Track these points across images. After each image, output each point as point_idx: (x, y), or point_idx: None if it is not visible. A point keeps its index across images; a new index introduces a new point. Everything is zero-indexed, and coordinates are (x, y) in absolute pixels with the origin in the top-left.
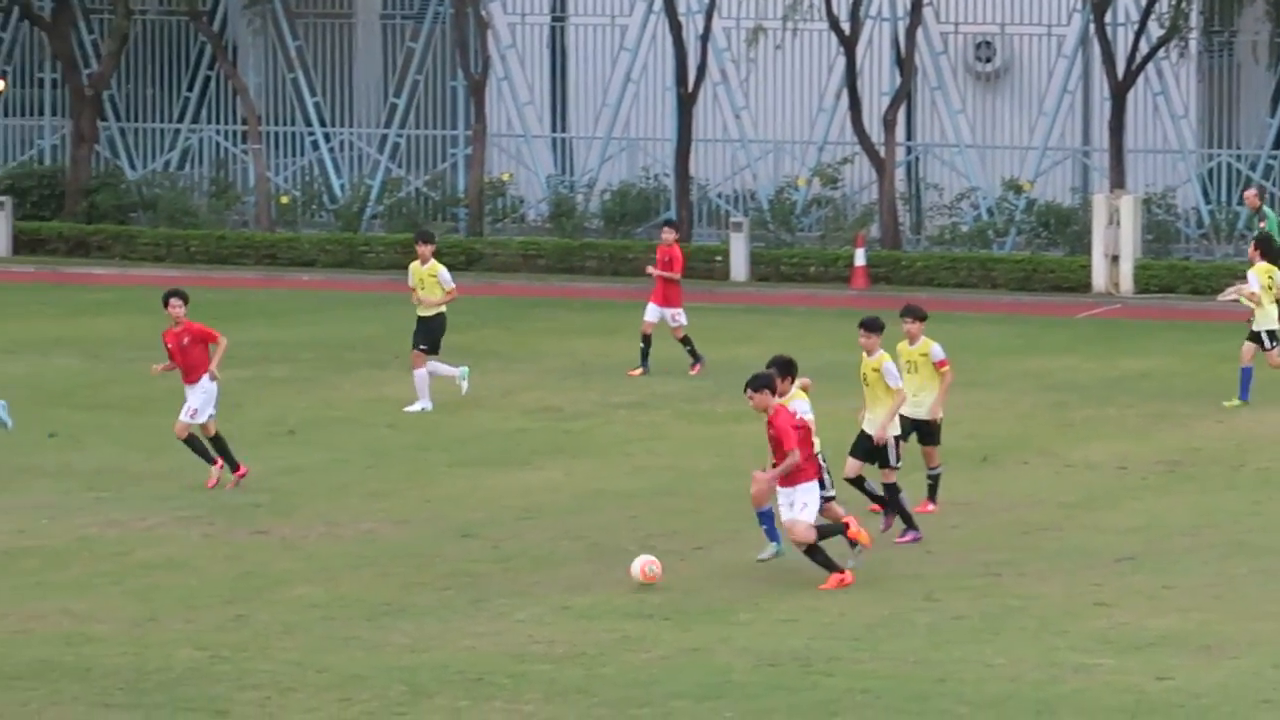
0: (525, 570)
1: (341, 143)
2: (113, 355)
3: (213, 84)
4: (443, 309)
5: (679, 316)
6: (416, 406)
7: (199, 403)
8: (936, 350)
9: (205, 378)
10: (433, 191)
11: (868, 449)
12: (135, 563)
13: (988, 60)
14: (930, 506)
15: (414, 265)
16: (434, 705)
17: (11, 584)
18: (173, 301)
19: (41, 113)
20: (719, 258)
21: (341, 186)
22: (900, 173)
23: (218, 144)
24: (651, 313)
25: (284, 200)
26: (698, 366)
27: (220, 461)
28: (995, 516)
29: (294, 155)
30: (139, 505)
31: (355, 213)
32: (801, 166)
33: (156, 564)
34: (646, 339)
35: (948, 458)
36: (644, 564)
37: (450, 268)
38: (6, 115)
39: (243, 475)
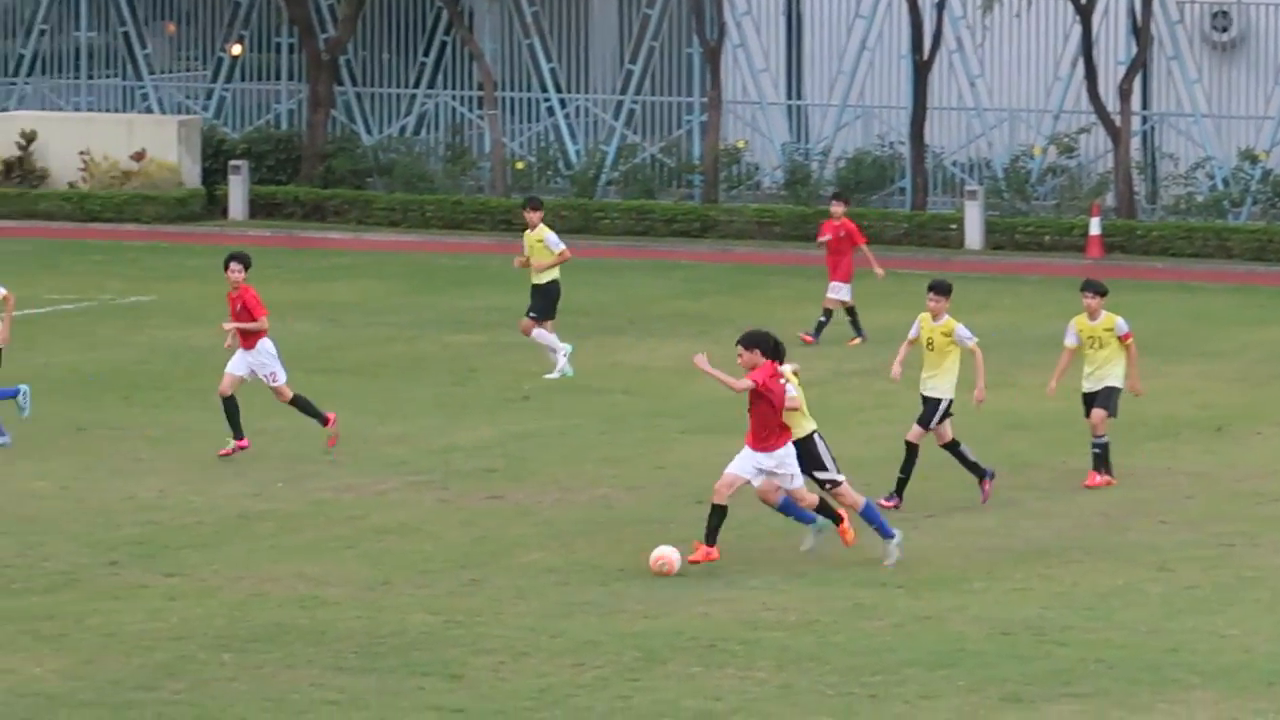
0: (758, 537)
1: (577, 109)
2: (348, 320)
3: (449, 49)
4: (555, 274)
5: (841, 290)
6: (560, 358)
7: (271, 366)
8: (1121, 324)
9: (263, 340)
10: (667, 158)
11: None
12: (369, 527)
13: (1224, 30)
14: (1098, 479)
15: (527, 232)
16: (667, 671)
17: (247, 547)
18: (232, 265)
19: (278, 77)
20: (954, 226)
21: (577, 152)
22: (1136, 142)
23: (453, 109)
24: (838, 290)
25: (519, 166)
26: (813, 339)
27: (245, 442)
28: (1229, 487)
29: (529, 121)
30: (373, 470)
31: (590, 178)
32: (1037, 135)
33: (390, 528)
34: (850, 310)
35: (1181, 428)
36: (669, 558)
37: (684, 235)
38: (244, 80)
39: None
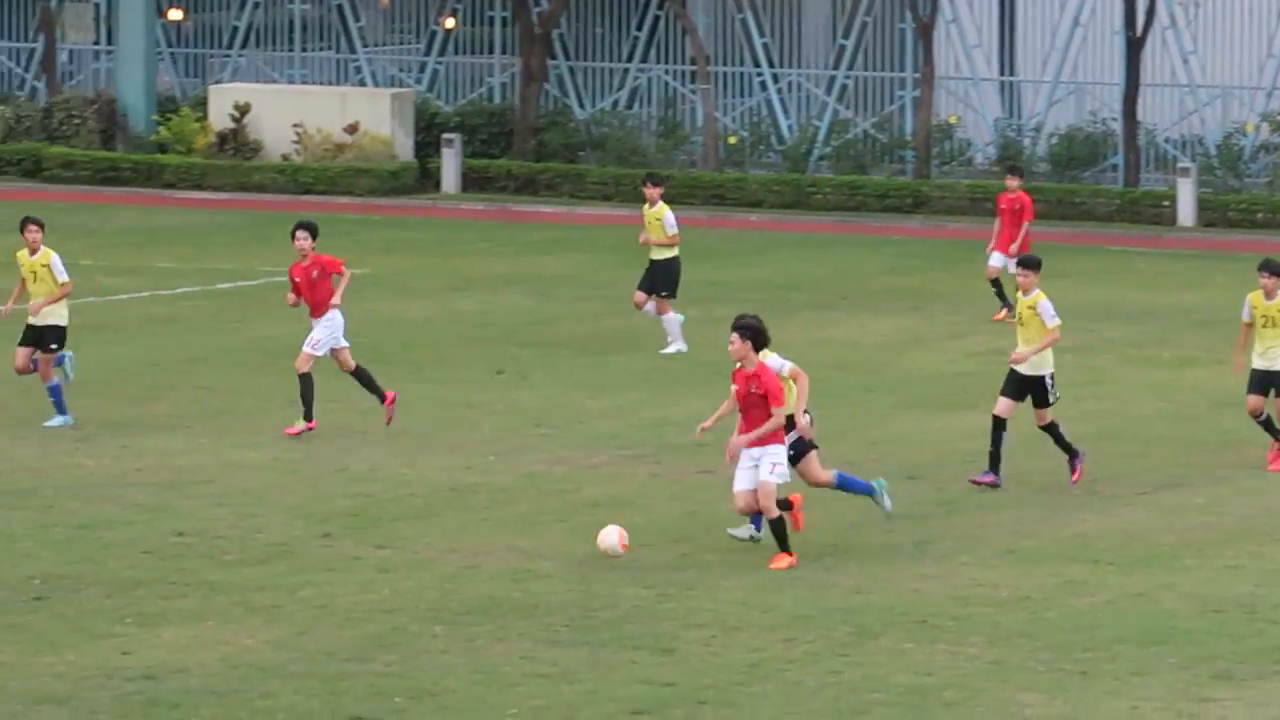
0: (970, 513)
1: (789, 84)
2: (560, 293)
3: (661, 24)
4: (676, 251)
5: (997, 259)
6: (672, 349)
7: (322, 334)
8: None
9: (332, 310)
10: (880, 133)
11: (1019, 388)
12: (581, 500)
13: None
14: None
15: (645, 207)
16: (878, 646)
17: (460, 520)
18: (299, 234)
19: (491, 51)
20: (1166, 203)
21: (789, 127)
22: None
23: (666, 84)
24: (996, 259)
25: (732, 140)
26: (1005, 313)
27: (314, 423)
28: None
29: (742, 96)
30: (585, 443)
31: (803, 154)
32: (1250, 112)
33: (602, 502)
34: (996, 284)
35: None
36: (619, 537)
37: (896, 210)
38: (457, 53)
39: (392, 401)
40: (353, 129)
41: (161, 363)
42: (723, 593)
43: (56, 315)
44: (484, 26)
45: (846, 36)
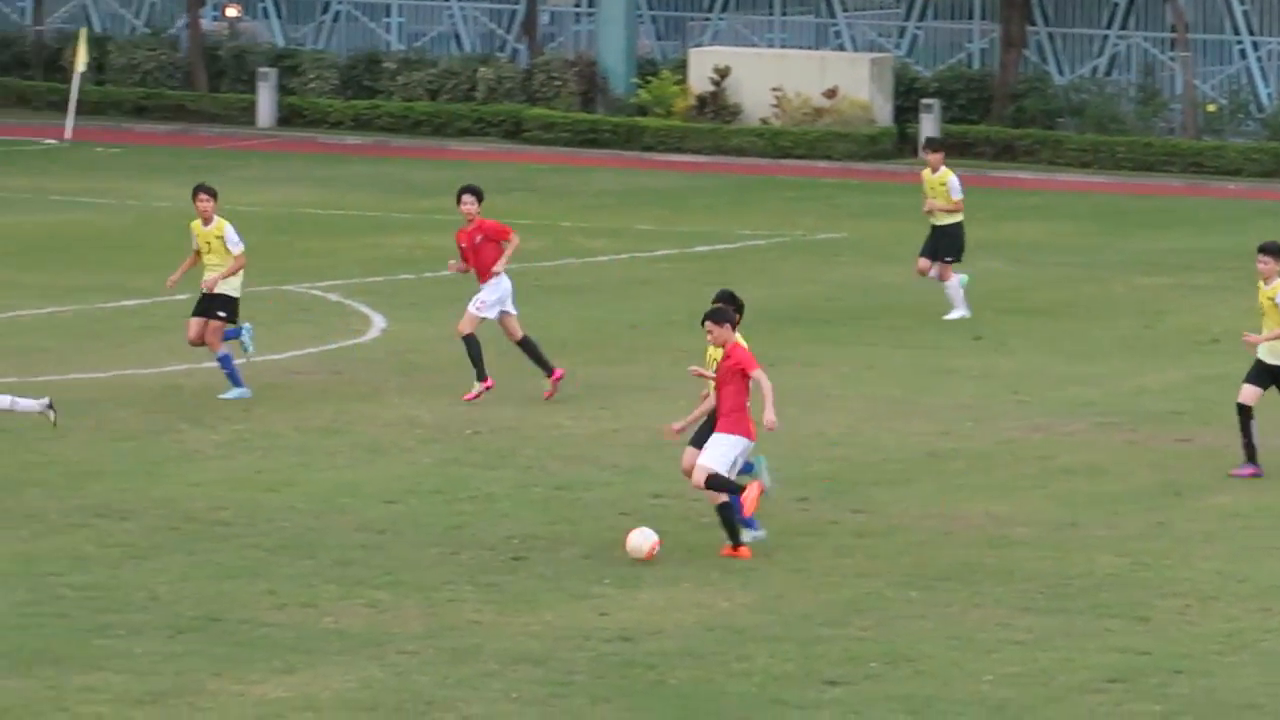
0: None
1: (1269, 52)
2: (1037, 260)
3: None
4: (959, 217)
5: None
6: (955, 315)
7: (489, 296)
8: None
9: (498, 275)
10: None
11: (1266, 376)
12: (1057, 467)
13: None
14: None
15: (925, 173)
16: None
17: (936, 485)
18: (465, 198)
19: (971, 16)
20: None
21: (1269, 95)
22: None
23: (1145, 51)
24: None
25: (1210, 108)
26: None
27: (489, 382)
28: None
29: (1221, 63)
30: (1061, 410)
31: None
32: None
33: (1078, 469)
34: None
35: None
36: (650, 544)
37: None
38: (936, 18)
39: (558, 378)
40: (831, 93)
41: (640, 325)
42: (1199, 561)
43: (228, 285)
44: None
45: None
